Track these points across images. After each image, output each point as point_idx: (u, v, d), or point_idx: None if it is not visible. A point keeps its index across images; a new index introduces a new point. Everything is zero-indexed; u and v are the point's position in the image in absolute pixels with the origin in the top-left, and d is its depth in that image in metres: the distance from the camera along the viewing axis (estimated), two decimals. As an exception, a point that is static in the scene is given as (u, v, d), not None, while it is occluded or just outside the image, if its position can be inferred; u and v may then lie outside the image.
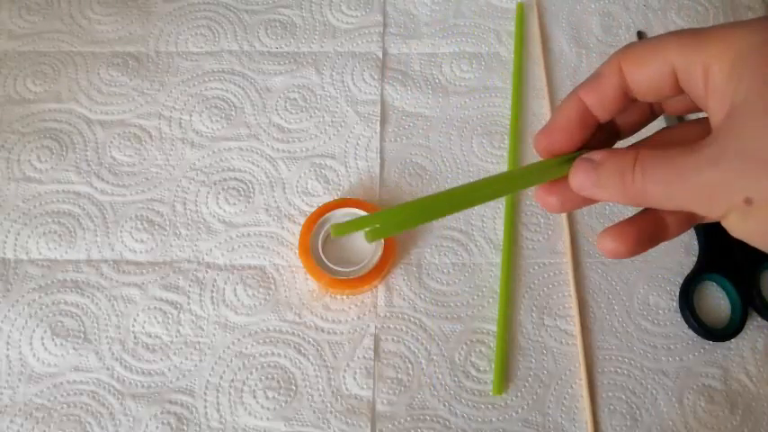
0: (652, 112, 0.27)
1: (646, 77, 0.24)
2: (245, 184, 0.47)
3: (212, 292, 0.44)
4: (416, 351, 0.42)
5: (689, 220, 0.26)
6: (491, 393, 0.41)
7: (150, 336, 0.43)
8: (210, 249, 0.45)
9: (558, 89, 0.51)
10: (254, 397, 0.41)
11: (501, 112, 0.50)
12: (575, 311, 0.43)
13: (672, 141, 0.26)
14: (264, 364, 0.42)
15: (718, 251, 0.44)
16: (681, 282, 0.44)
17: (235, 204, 0.47)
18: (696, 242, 0.45)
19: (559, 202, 0.26)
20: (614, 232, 0.25)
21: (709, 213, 0.22)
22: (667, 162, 0.22)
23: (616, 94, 0.25)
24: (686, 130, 0.26)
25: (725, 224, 0.22)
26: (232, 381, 0.41)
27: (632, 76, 0.24)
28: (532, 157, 0.48)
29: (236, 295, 0.44)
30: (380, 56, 0.52)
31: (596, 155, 0.25)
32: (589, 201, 0.26)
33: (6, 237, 0.45)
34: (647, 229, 0.26)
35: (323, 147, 0.49)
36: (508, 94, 0.51)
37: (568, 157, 0.26)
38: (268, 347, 0.42)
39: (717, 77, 0.22)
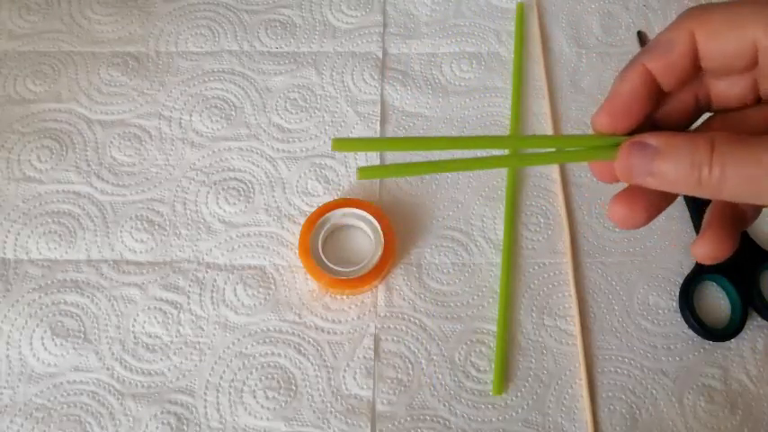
0: (697, 108, 0.25)
1: (721, 49, 0.22)
2: (245, 184, 0.47)
3: (212, 292, 0.44)
4: (416, 351, 0.42)
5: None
6: (491, 393, 0.41)
7: (150, 336, 0.43)
8: (210, 249, 0.45)
9: (557, 89, 0.51)
10: (254, 397, 0.41)
11: (501, 112, 0.50)
12: (575, 311, 0.43)
13: (732, 128, 0.24)
14: (264, 364, 0.42)
15: (718, 251, 0.44)
16: (681, 282, 0.44)
17: (235, 204, 0.47)
18: (696, 242, 0.45)
19: (633, 212, 0.24)
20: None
21: None
22: (753, 154, 0.20)
23: (686, 63, 0.23)
24: (746, 115, 0.24)
25: None
26: (232, 381, 0.41)
27: (706, 46, 0.22)
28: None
29: (236, 295, 0.44)
30: (380, 56, 0.52)
31: (653, 138, 0.22)
32: (667, 202, 0.25)
33: (6, 237, 0.45)
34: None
35: (323, 147, 0.49)
36: (508, 94, 0.51)
37: (618, 140, 0.23)
38: (268, 347, 0.42)
39: None
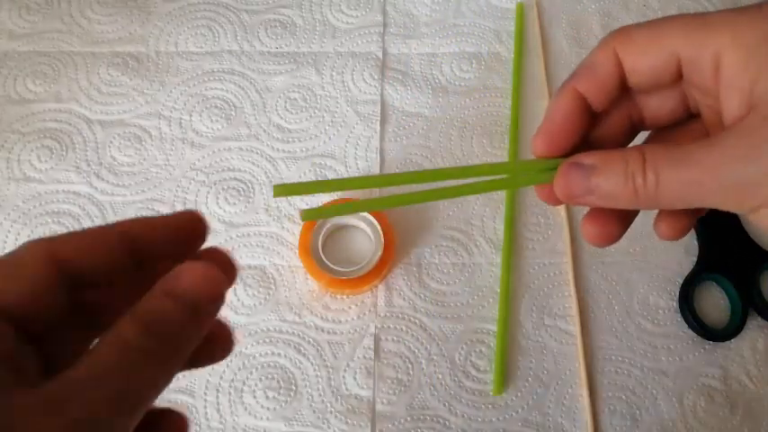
0: (632, 128, 0.26)
1: (645, 66, 0.22)
2: (245, 184, 0.47)
3: (212, 292, 0.44)
4: (416, 351, 0.42)
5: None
6: (491, 393, 0.41)
7: (150, 336, 0.42)
8: (210, 249, 0.45)
9: (557, 89, 0.51)
10: (254, 397, 0.41)
11: (501, 112, 0.50)
12: (575, 311, 0.43)
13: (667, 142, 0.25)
14: (264, 364, 0.42)
15: (718, 251, 0.44)
16: (681, 282, 0.44)
17: (235, 204, 0.47)
18: (696, 242, 0.45)
19: (606, 228, 0.24)
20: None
21: (738, 208, 0.20)
22: (685, 159, 0.20)
23: (613, 82, 0.23)
24: (680, 131, 0.25)
25: (753, 218, 0.21)
26: (232, 381, 0.41)
27: (630, 63, 0.23)
28: (531, 156, 0.48)
29: (236, 295, 0.44)
30: (380, 56, 0.52)
31: (587, 158, 0.23)
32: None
33: (6, 237, 0.45)
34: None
35: (323, 147, 0.49)
36: (508, 94, 0.51)
37: (555, 163, 0.24)
38: (268, 347, 0.42)
39: (730, 68, 0.20)
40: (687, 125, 0.25)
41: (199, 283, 0.19)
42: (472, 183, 0.23)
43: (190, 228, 0.21)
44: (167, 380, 0.18)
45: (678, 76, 0.22)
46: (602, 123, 0.25)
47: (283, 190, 0.22)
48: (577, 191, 0.23)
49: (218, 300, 0.19)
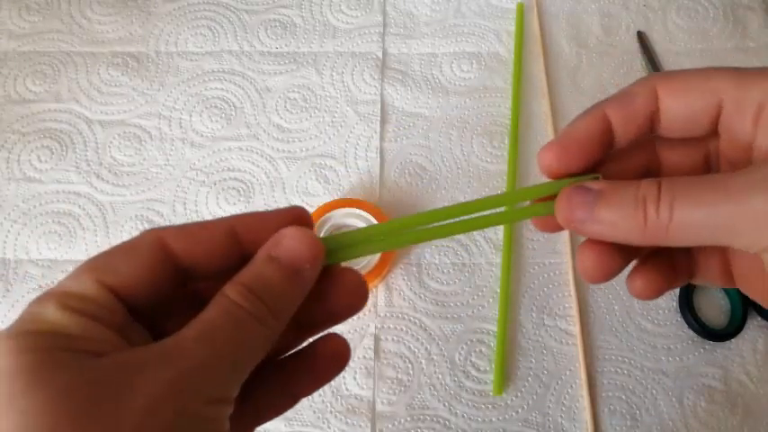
0: (645, 174, 0.24)
1: (685, 107, 0.22)
2: (245, 184, 0.47)
3: (212, 292, 0.44)
4: (416, 351, 0.42)
5: (693, 271, 0.25)
6: (491, 393, 0.41)
7: (150, 336, 0.43)
8: (210, 249, 0.45)
9: (557, 89, 0.51)
10: (254, 397, 0.41)
11: (501, 112, 0.50)
12: (575, 311, 0.43)
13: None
14: (264, 364, 0.42)
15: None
16: (681, 282, 0.44)
17: (235, 204, 0.47)
18: (696, 242, 0.45)
19: (602, 264, 0.23)
20: (647, 274, 0.23)
21: (753, 245, 0.19)
22: (707, 185, 0.19)
23: (646, 115, 0.22)
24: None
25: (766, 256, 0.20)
26: (232, 381, 0.41)
27: (669, 103, 0.22)
28: (532, 157, 0.48)
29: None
30: (380, 56, 0.52)
31: (594, 183, 0.21)
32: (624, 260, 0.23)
33: (6, 237, 0.45)
34: (667, 270, 0.24)
35: (323, 147, 0.49)
36: (508, 94, 0.51)
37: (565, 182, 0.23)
38: (268, 347, 0.42)
39: None
40: None
41: (297, 247, 0.20)
42: (469, 219, 0.23)
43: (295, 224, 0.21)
44: (270, 339, 0.20)
45: (713, 125, 0.22)
46: (617, 159, 0.24)
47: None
48: (580, 216, 0.21)
49: (316, 261, 0.20)
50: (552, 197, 0.23)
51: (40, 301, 0.18)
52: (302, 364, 0.22)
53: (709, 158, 0.24)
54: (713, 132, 0.22)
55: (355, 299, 0.22)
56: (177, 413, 0.17)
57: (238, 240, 0.21)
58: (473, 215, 0.23)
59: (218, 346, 0.18)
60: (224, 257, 0.21)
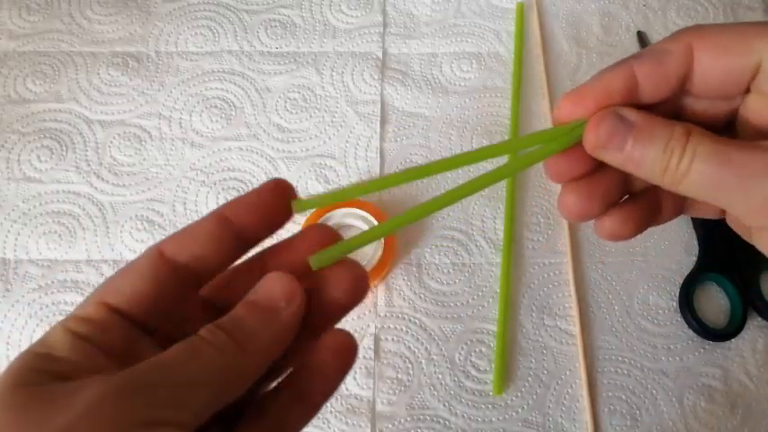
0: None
1: (722, 68, 0.21)
2: (245, 184, 0.47)
3: (212, 292, 0.44)
4: (416, 351, 0.42)
5: (682, 207, 0.25)
6: (491, 393, 0.41)
7: (150, 336, 0.43)
8: (210, 249, 0.45)
9: (557, 89, 0.51)
10: (254, 397, 0.41)
11: (501, 112, 0.50)
12: (575, 311, 0.43)
13: None
14: (264, 364, 0.42)
15: (718, 251, 0.44)
16: (681, 282, 0.44)
17: (235, 204, 0.47)
18: (696, 242, 0.45)
19: (585, 202, 0.23)
20: (619, 214, 0.23)
21: (746, 220, 0.20)
22: (727, 152, 0.19)
23: (677, 77, 0.21)
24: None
25: (758, 236, 0.20)
26: (232, 381, 0.41)
27: (706, 62, 0.21)
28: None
29: (236, 295, 0.44)
30: (380, 56, 0.52)
31: (632, 113, 0.21)
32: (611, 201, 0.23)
33: (6, 237, 0.45)
34: (647, 209, 0.24)
35: (323, 147, 0.49)
36: (508, 94, 0.51)
37: (576, 124, 0.22)
38: (268, 347, 0.42)
39: None
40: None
41: (271, 287, 0.20)
42: (474, 180, 0.22)
43: (272, 198, 0.22)
44: (233, 376, 0.19)
45: (746, 86, 0.21)
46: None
47: (303, 205, 0.22)
48: (611, 143, 0.21)
49: (293, 298, 0.20)
50: (565, 134, 0.22)
51: (58, 323, 0.19)
52: (311, 365, 0.22)
53: (732, 113, 0.23)
54: (743, 92, 0.22)
55: (354, 288, 0.22)
56: (103, 426, 0.16)
57: (231, 227, 0.21)
58: (471, 180, 0.22)
59: (165, 370, 0.18)
60: (221, 247, 0.21)
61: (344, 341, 0.22)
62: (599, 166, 0.22)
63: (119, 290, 0.19)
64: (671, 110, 0.23)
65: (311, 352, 0.22)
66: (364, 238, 0.22)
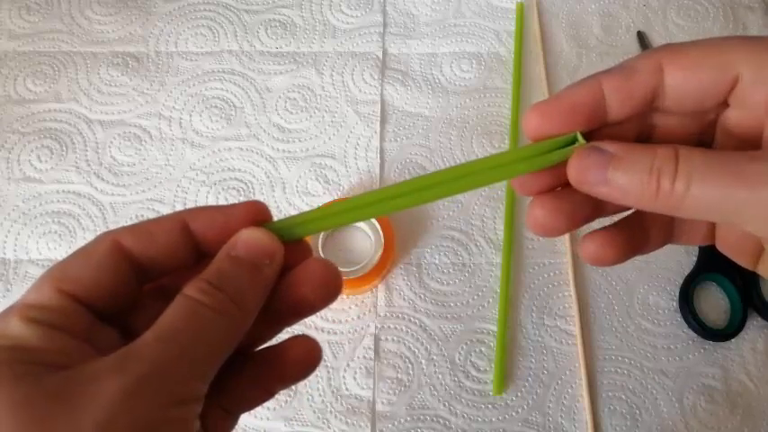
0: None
1: (696, 83, 0.21)
2: (245, 184, 0.47)
3: (212, 292, 0.44)
4: (416, 351, 0.42)
5: (670, 235, 0.24)
6: (491, 393, 0.41)
7: (150, 336, 0.43)
8: (210, 249, 0.45)
9: (557, 89, 0.51)
10: (254, 397, 0.41)
11: (501, 112, 0.50)
12: (575, 311, 0.43)
13: None
14: (264, 364, 0.42)
15: (718, 251, 0.44)
16: (681, 282, 0.44)
17: (235, 204, 0.47)
18: (696, 242, 0.45)
19: (554, 217, 0.22)
20: (602, 238, 0.23)
21: (761, 231, 0.19)
22: (724, 165, 0.19)
23: (643, 93, 0.21)
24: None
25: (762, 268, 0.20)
26: (232, 381, 0.41)
27: (677, 79, 0.21)
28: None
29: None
30: (380, 56, 0.52)
31: (609, 145, 0.21)
32: (590, 216, 0.23)
33: (6, 237, 0.45)
34: (634, 237, 0.23)
35: (323, 147, 0.49)
36: (508, 94, 0.51)
37: (558, 143, 0.22)
38: (268, 347, 0.42)
39: None
40: None
41: (255, 245, 0.20)
42: (463, 180, 0.22)
43: (238, 220, 0.22)
44: (237, 331, 0.19)
45: (722, 99, 0.21)
46: (604, 132, 0.23)
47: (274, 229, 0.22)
48: (592, 178, 0.21)
49: (275, 256, 0.21)
50: (539, 154, 0.22)
51: (3, 315, 0.18)
52: (274, 361, 0.22)
53: (707, 128, 0.23)
54: (720, 105, 0.21)
55: (324, 288, 0.22)
56: (136, 420, 0.16)
57: (191, 235, 0.21)
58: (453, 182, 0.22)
59: (178, 345, 0.18)
60: (179, 252, 0.21)
61: (310, 350, 0.22)
62: (567, 182, 0.22)
63: (76, 278, 0.19)
64: (641, 127, 0.23)
65: (276, 350, 0.22)
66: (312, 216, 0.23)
